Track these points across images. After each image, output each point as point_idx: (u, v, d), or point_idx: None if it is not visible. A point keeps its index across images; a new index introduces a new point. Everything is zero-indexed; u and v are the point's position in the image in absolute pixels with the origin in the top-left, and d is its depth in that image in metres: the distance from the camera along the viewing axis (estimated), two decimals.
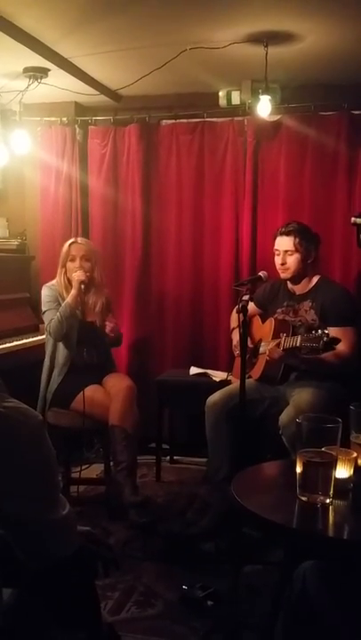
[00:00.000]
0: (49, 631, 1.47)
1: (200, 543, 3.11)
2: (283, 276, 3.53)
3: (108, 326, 3.69)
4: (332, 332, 3.13)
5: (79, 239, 3.85)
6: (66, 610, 1.55)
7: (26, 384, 3.47)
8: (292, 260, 3.46)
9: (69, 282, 3.71)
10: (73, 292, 3.63)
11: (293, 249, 3.45)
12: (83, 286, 3.63)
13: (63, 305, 3.61)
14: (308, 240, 3.49)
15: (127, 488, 3.35)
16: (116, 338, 3.81)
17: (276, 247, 3.53)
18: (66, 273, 3.73)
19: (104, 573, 1.70)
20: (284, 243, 3.48)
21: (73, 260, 3.70)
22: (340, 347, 3.14)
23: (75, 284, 3.64)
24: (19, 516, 1.35)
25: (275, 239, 3.55)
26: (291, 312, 3.52)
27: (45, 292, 3.75)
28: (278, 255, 3.51)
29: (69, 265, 3.71)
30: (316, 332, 3.02)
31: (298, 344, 3.12)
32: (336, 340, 3.00)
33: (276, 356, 3.31)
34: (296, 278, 3.52)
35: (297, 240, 3.45)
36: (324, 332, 2.97)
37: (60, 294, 3.70)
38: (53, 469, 1.44)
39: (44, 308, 3.74)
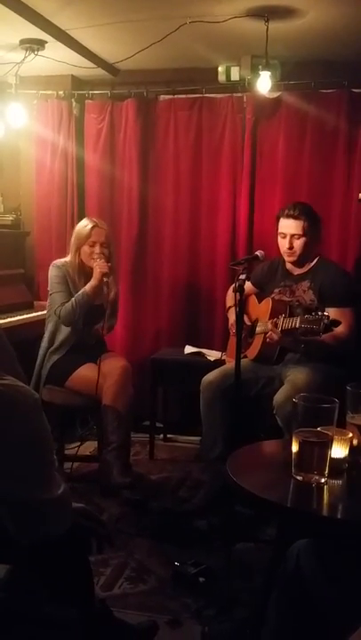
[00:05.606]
0: (42, 606, 1.47)
1: (193, 520, 3.13)
2: (289, 259, 3.46)
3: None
4: (331, 312, 3.11)
5: (99, 222, 3.62)
6: (59, 585, 1.56)
7: (19, 361, 3.44)
8: (300, 244, 3.38)
9: (83, 264, 3.56)
10: (94, 282, 3.47)
11: (301, 233, 3.36)
12: (105, 279, 3.49)
13: (81, 294, 3.47)
14: (315, 223, 3.41)
15: (116, 468, 3.32)
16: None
17: (281, 230, 3.42)
18: (80, 255, 3.57)
19: (97, 550, 1.71)
20: (291, 226, 3.37)
21: (92, 245, 3.53)
22: (339, 328, 3.12)
23: (96, 274, 3.47)
24: (13, 495, 1.34)
25: (278, 220, 3.44)
26: (288, 292, 3.49)
27: (54, 272, 3.58)
28: (284, 238, 3.41)
29: (86, 249, 3.54)
30: (316, 313, 2.99)
31: (297, 325, 3.10)
32: (336, 323, 2.98)
33: (276, 338, 3.29)
34: (301, 261, 3.46)
35: (306, 224, 3.36)
36: (324, 315, 2.96)
37: (69, 275, 3.56)
38: (49, 448, 1.43)
39: (51, 290, 3.59)
